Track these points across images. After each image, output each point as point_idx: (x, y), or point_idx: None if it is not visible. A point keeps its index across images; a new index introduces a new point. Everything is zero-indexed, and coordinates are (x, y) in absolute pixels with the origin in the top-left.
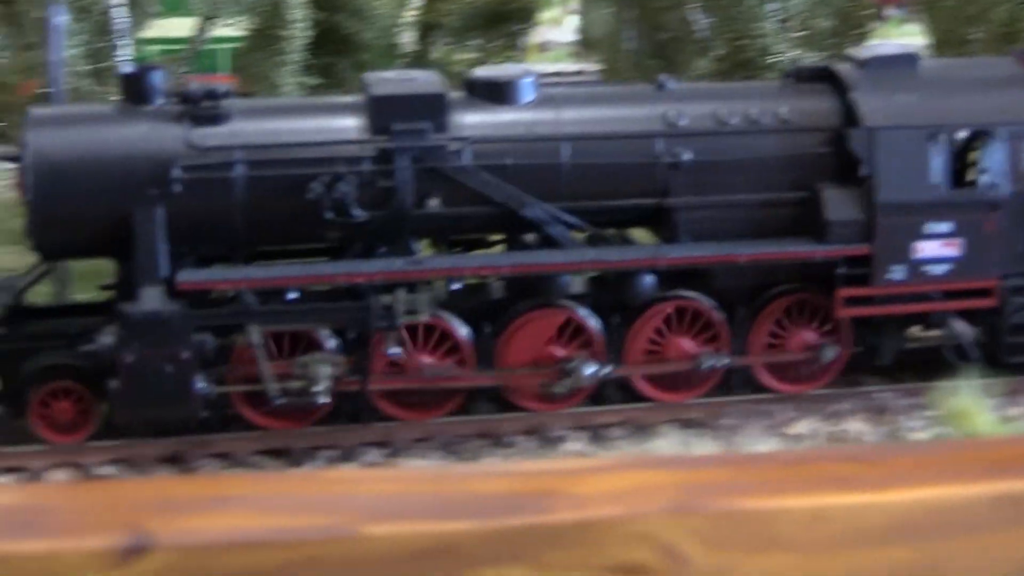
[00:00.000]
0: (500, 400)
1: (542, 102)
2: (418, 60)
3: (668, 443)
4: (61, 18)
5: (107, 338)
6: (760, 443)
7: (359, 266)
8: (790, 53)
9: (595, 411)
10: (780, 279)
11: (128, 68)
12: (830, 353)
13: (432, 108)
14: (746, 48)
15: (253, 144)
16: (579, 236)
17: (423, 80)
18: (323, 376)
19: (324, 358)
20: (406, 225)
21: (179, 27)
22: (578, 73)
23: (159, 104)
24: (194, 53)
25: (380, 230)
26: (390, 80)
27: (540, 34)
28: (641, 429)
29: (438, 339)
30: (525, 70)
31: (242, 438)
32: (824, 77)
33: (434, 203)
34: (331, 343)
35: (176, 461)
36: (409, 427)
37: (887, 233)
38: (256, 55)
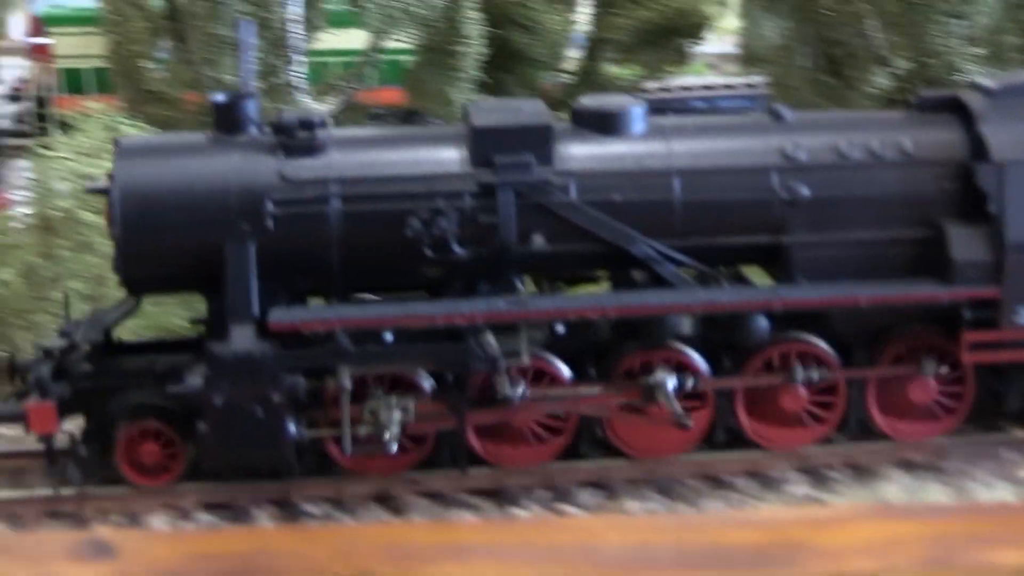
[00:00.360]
0: (607, 446)
1: (652, 133)
2: (586, 76)
3: (895, 488)
4: (251, 34)
5: (195, 379)
6: (993, 489)
7: (459, 306)
8: (975, 70)
9: (816, 452)
10: (901, 321)
11: (219, 96)
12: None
13: (537, 140)
14: (929, 65)
15: (349, 177)
16: (690, 273)
17: (528, 110)
18: (392, 422)
19: (394, 403)
20: (509, 263)
21: (347, 40)
22: (746, 86)
23: (252, 134)
24: (364, 67)
25: (482, 267)
26: (493, 110)
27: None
28: (864, 471)
29: (540, 382)
30: (634, 99)
31: (451, 476)
32: (951, 107)
33: (538, 240)
34: (426, 384)
35: (384, 500)
36: (626, 467)
37: (1017, 274)
38: (429, 71)
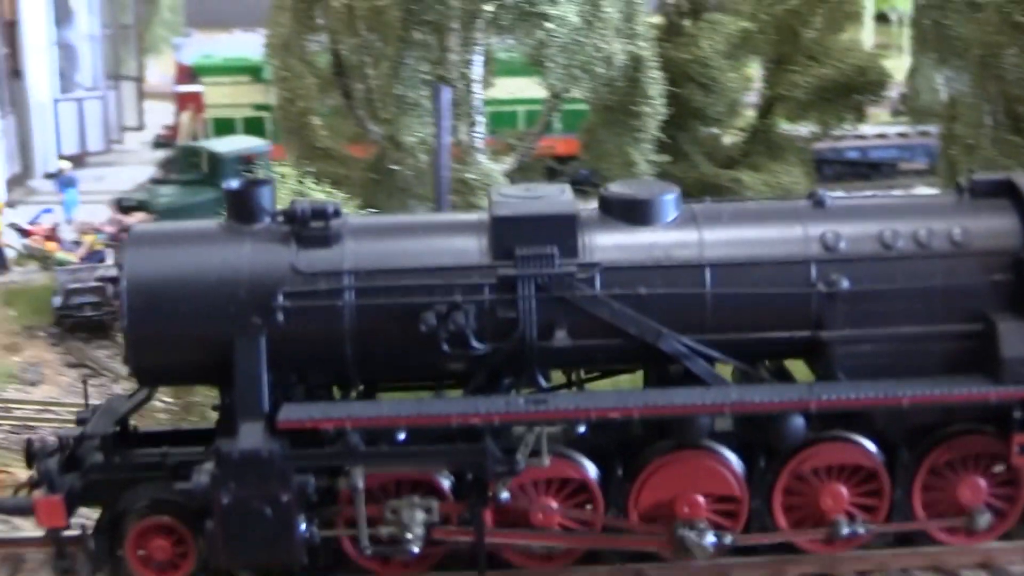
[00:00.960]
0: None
1: (684, 221)
2: (759, 132)
3: None
4: (449, 99)
5: (203, 477)
6: None
7: (475, 405)
8: None
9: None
10: (951, 420)
11: (233, 184)
12: (983, 521)
13: (560, 230)
14: None
15: (363, 269)
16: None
17: (552, 198)
18: (416, 523)
19: (417, 503)
20: (531, 358)
21: (515, 88)
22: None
23: (265, 223)
24: (541, 123)
25: (503, 362)
26: (517, 198)
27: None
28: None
29: (563, 481)
30: (666, 186)
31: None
32: (1005, 191)
33: (561, 335)
34: (445, 484)
35: None
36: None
37: None
38: (607, 130)
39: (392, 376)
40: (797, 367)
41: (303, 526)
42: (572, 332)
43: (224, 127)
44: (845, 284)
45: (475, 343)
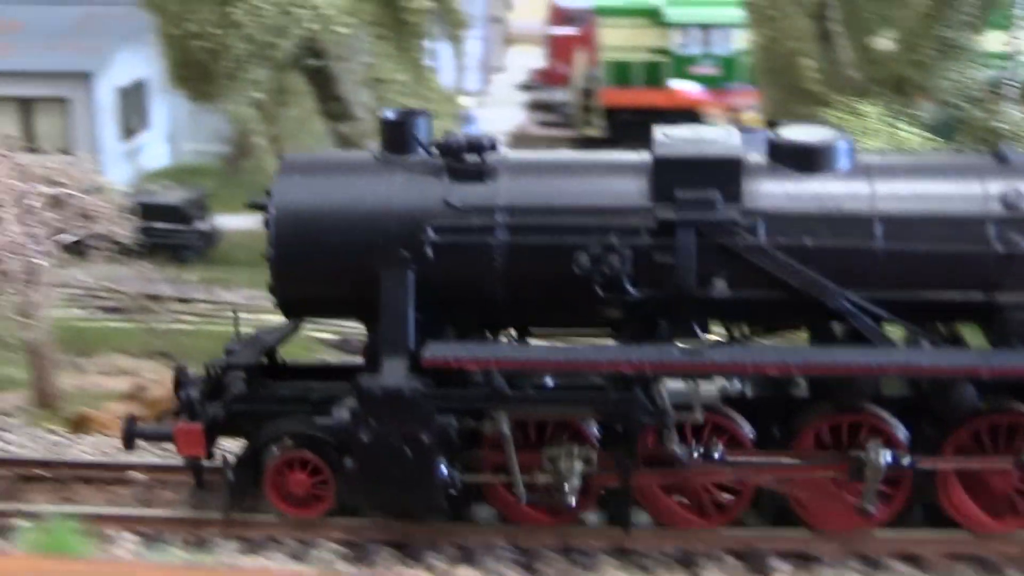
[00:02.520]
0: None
1: (856, 172)
2: None
3: None
4: None
5: (344, 412)
6: None
7: (626, 353)
8: None
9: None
10: None
11: (389, 113)
12: None
13: (723, 174)
14: None
15: (517, 206)
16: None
17: (718, 141)
18: (573, 474)
19: (575, 453)
20: (688, 307)
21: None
22: None
23: (420, 155)
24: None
25: (659, 310)
26: (682, 138)
27: None
28: None
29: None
30: (839, 133)
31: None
32: None
33: (720, 285)
34: (595, 432)
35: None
36: (825, 541)
37: None
38: None
39: (544, 320)
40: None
41: (444, 469)
42: (732, 282)
43: (620, 71)
44: None
45: (630, 288)
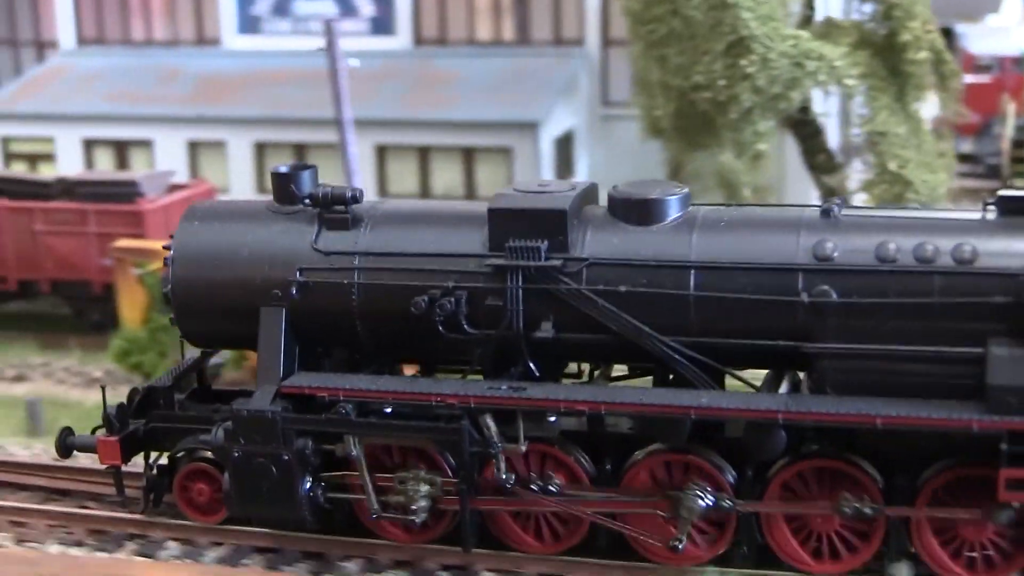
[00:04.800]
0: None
1: (681, 223)
2: None
3: None
4: None
5: (220, 431)
6: None
7: (452, 387)
8: None
9: None
10: (955, 449)
11: (280, 168)
12: (1004, 516)
13: (551, 225)
14: None
15: (372, 251)
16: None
17: (554, 194)
18: (420, 495)
19: (422, 476)
20: (520, 347)
21: None
22: None
23: (302, 205)
24: None
25: (498, 349)
26: (521, 192)
27: None
28: None
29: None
30: (674, 188)
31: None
32: None
33: (546, 327)
34: (448, 459)
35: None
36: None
37: None
38: None
39: (403, 354)
40: None
41: (307, 486)
42: (558, 325)
43: None
44: (833, 295)
45: (467, 327)
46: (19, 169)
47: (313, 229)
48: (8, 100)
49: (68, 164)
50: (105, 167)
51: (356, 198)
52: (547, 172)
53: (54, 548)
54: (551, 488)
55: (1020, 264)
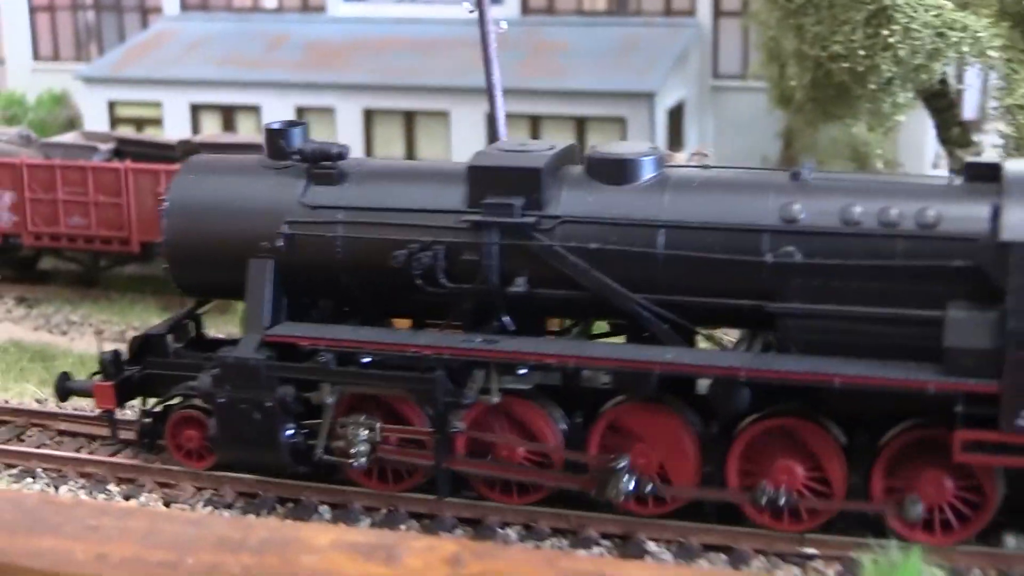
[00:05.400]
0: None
1: (654, 185)
2: None
3: None
4: None
5: (206, 378)
6: None
7: (428, 339)
8: None
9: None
10: (916, 410)
11: (272, 124)
12: (914, 511)
13: (527, 183)
14: None
15: (355, 206)
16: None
17: (532, 153)
18: (359, 440)
19: (362, 423)
20: (495, 301)
21: None
22: None
23: (292, 160)
24: None
25: (474, 303)
26: (503, 150)
27: None
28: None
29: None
30: (649, 149)
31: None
32: (997, 175)
33: (520, 282)
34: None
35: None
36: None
37: (1019, 370)
38: None
39: (386, 307)
40: None
41: (289, 432)
42: (532, 280)
43: None
44: (797, 257)
45: (444, 281)
46: (142, 132)
47: (301, 184)
48: (114, 65)
49: (175, 129)
50: (212, 131)
51: (342, 154)
52: (660, 143)
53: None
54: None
55: (980, 228)
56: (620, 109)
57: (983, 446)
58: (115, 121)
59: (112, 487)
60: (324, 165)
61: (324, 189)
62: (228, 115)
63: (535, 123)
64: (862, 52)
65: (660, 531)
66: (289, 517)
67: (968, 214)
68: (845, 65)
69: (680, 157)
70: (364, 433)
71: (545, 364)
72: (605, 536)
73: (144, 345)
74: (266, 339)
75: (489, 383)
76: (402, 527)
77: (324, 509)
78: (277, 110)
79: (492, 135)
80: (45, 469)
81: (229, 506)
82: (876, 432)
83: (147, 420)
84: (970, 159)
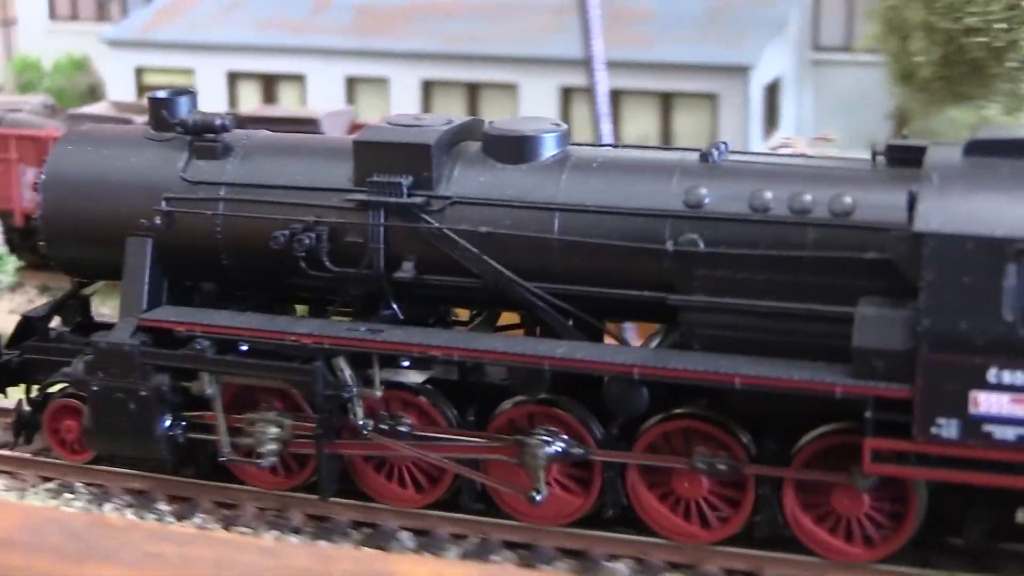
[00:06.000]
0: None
1: (553, 164)
2: None
3: None
4: None
5: (80, 364)
6: None
7: (310, 327)
8: None
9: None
10: (829, 415)
11: (157, 93)
12: (863, 482)
13: (416, 160)
14: None
15: (237, 183)
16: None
17: (423, 128)
18: (267, 438)
19: (270, 419)
20: (383, 287)
21: None
22: None
23: (176, 132)
24: None
25: (361, 289)
26: (394, 124)
27: None
28: None
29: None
30: (551, 125)
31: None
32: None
33: (407, 267)
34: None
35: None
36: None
37: (933, 374)
38: None
39: (270, 291)
40: None
41: (166, 424)
42: (420, 266)
43: None
44: (699, 245)
45: (328, 264)
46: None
47: (183, 157)
48: (143, 27)
49: (209, 99)
50: (251, 103)
51: (226, 126)
52: (755, 122)
53: None
54: (400, 429)
55: (896, 218)
56: (712, 84)
57: (899, 456)
58: (142, 89)
59: (162, 505)
60: (207, 137)
61: (206, 163)
62: (269, 85)
63: (616, 99)
64: (1001, 25)
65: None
66: (367, 544)
67: (884, 202)
68: (981, 40)
69: (799, 144)
70: (273, 431)
71: (430, 356)
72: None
73: (24, 328)
74: (142, 323)
75: (372, 375)
76: (496, 558)
77: (405, 536)
78: (324, 80)
79: (591, 114)
80: (87, 484)
81: (297, 531)
82: (789, 439)
83: (25, 409)
84: (893, 141)
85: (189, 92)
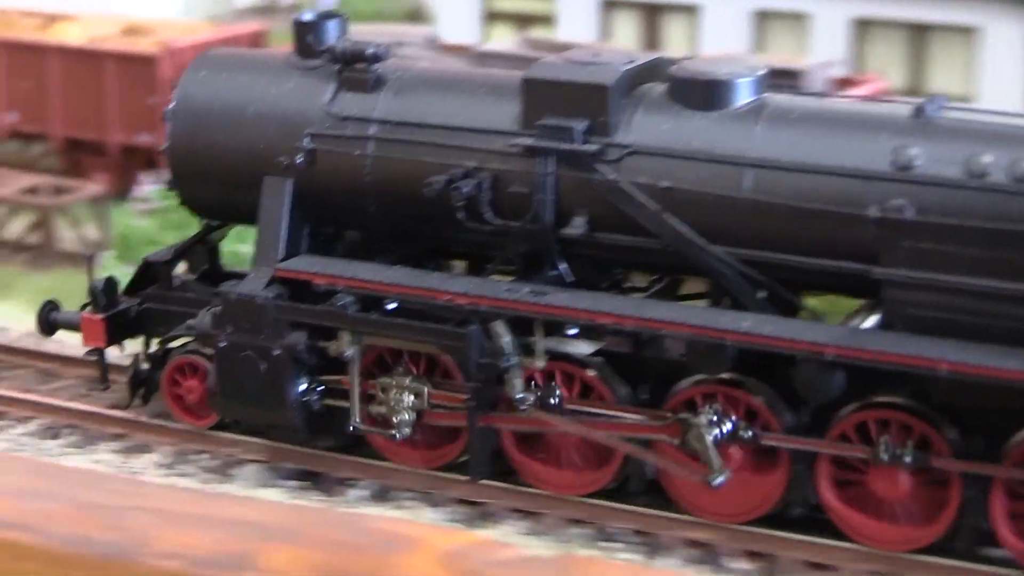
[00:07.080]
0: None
1: (747, 112)
2: None
3: None
4: None
5: (207, 316)
6: None
7: (466, 285)
8: None
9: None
10: None
11: (304, 15)
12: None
13: (592, 103)
14: None
15: (390, 120)
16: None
17: (604, 65)
18: (403, 406)
19: (407, 385)
20: (548, 243)
21: None
22: None
23: (323, 60)
24: None
25: (526, 246)
26: (570, 61)
27: None
28: None
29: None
30: (749, 67)
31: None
32: None
33: (577, 223)
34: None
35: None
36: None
37: None
38: None
39: (421, 244)
40: None
41: (300, 388)
42: (592, 222)
43: None
44: (908, 212)
45: (489, 216)
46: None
47: (330, 89)
48: None
49: (574, 31)
50: (623, 38)
51: (379, 56)
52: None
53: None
54: (551, 402)
55: None
56: (974, 15)
57: None
58: (490, 17)
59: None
60: (358, 68)
61: (356, 97)
62: (651, 16)
63: (860, 30)
64: None
65: None
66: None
67: None
68: None
69: None
70: (410, 399)
71: (599, 325)
72: None
73: (145, 273)
74: (278, 274)
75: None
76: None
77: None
78: (723, 13)
79: None
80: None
81: None
82: (1001, 433)
83: (142, 365)
84: None
85: (340, 15)
